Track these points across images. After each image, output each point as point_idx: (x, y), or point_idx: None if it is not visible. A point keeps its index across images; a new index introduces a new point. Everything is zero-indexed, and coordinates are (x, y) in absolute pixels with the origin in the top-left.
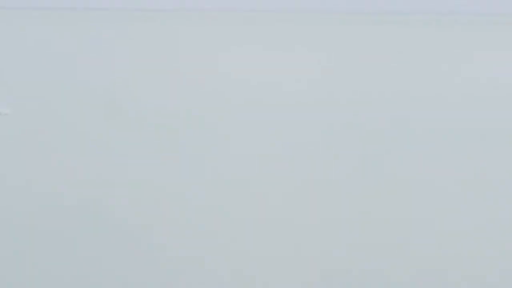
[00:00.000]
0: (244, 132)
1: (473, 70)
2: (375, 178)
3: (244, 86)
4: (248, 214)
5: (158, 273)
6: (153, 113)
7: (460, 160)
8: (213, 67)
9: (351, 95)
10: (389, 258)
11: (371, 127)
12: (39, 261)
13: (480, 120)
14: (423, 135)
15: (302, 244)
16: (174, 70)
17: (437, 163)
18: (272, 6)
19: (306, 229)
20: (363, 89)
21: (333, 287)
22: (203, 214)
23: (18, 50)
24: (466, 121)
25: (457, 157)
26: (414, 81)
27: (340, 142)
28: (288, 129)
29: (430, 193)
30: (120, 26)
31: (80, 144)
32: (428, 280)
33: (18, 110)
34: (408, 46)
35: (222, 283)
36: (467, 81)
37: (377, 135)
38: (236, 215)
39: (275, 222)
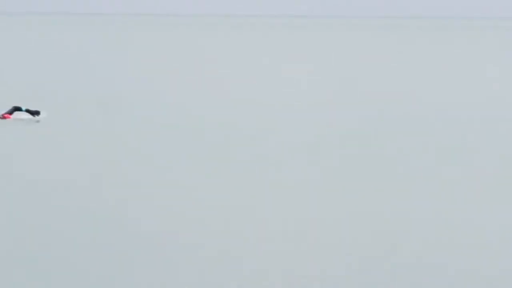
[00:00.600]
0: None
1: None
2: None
3: (246, 87)
4: (250, 213)
5: (162, 273)
6: (155, 113)
7: (460, 160)
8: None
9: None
10: (389, 257)
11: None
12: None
13: (480, 121)
14: (423, 135)
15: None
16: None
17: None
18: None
19: (305, 225)
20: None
21: (335, 284)
22: (203, 212)
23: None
24: (466, 121)
25: (457, 157)
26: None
27: (341, 142)
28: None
29: (430, 193)
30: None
31: (89, 147)
32: (427, 279)
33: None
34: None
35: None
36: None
37: (378, 135)
38: (238, 213)
39: (278, 221)
